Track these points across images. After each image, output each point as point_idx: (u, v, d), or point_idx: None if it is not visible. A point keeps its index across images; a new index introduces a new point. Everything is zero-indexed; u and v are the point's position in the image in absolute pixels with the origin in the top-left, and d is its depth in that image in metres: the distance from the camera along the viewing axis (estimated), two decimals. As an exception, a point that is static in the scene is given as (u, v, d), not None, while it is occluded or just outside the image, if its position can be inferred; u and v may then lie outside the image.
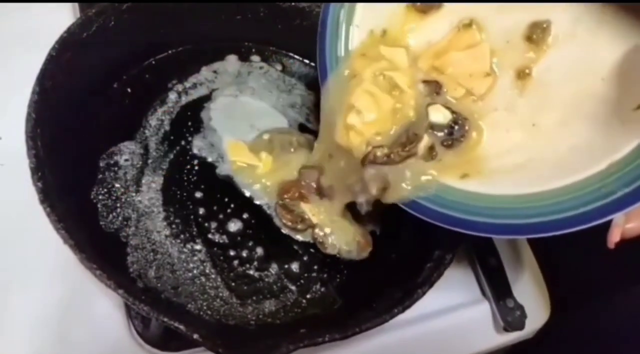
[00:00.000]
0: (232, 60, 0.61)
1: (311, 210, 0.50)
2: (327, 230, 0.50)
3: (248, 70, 0.61)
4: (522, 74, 0.43)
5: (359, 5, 0.46)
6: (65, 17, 0.58)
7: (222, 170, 0.52)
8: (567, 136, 0.40)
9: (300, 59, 0.63)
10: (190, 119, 0.55)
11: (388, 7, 0.45)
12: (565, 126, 0.41)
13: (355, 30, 0.47)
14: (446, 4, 0.44)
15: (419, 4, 0.45)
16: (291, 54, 0.62)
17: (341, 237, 0.50)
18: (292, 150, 0.55)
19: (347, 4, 0.46)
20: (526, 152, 0.42)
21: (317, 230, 0.50)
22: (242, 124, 0.57)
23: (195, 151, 0.53)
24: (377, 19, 0.46)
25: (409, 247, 0.51)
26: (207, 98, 0.57)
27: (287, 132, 0.57)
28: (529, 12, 0.41)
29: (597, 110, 0.39)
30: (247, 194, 0.51)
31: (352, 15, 0.46)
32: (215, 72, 0.59)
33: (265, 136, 0.55)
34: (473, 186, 0.42)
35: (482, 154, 0.43)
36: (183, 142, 0.53)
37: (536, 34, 0.41)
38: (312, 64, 0.62)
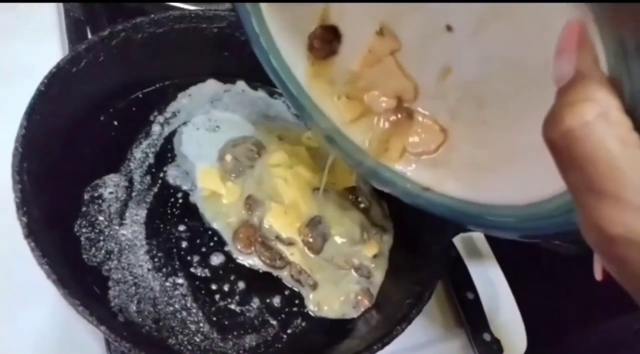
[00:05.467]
0: (210, 83, 0.61)
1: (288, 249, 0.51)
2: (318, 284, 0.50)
3: (225, 89, 0.61)
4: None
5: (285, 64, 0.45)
6: (54, 52, 0.59)
7: (194, 199, 0.52)
8: (522, 136, 0.36)
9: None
10: (172, 150, 0.55)
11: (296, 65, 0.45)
12: (516, 122, 0.36)
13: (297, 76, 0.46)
14: (340, 49, 0.43)
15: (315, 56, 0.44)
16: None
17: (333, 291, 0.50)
18: (256, 154, 0.55)
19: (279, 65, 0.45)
20: (490, 153, 0.39)
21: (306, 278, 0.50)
22: (209, 144, 0.56)
23: (171, 180, 0.53)
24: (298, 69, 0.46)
25: (388, 283, 0.52)
26: (185, 124, 0.57)
27: (241, 142, 0.56)
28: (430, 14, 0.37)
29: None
30: (214, 225, 0.51)
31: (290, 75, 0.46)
32: (190, 95, 0.59)
33: (228, 158, 0.54)
34: (452, 190, 0.41)
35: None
36: (162, 175, 0.53)
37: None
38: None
